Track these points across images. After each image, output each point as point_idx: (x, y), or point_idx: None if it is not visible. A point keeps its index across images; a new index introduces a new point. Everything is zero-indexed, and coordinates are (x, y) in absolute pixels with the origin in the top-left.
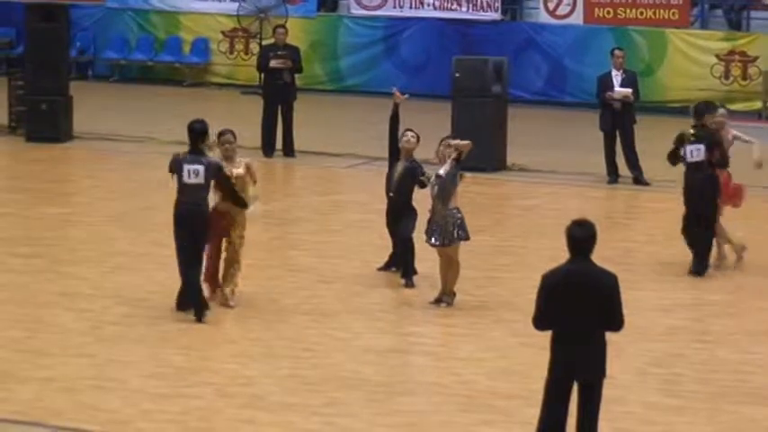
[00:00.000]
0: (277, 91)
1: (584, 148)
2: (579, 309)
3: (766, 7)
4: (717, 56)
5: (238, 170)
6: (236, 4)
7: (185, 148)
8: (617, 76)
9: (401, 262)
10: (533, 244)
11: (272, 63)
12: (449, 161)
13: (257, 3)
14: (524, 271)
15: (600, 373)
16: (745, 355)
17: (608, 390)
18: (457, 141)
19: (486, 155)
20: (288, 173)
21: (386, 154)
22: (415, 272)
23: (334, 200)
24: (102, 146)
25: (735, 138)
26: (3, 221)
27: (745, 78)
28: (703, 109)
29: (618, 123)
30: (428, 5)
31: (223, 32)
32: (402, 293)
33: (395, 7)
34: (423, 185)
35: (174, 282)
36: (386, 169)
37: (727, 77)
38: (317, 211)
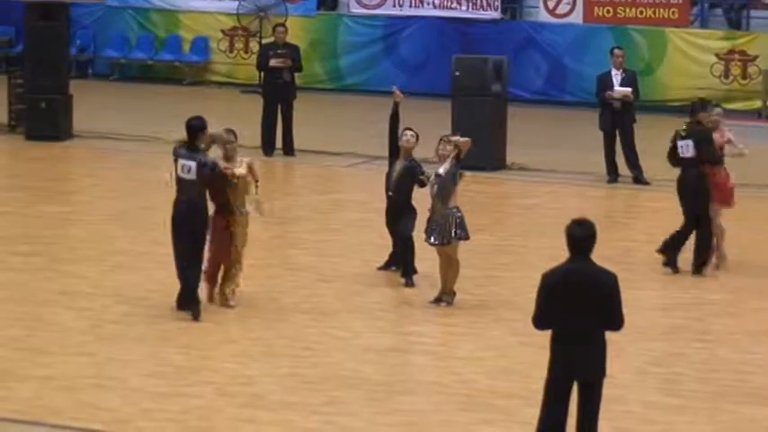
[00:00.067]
0: (277, 90)
1: (584, 148)
2: (579, 308)
3: (766, 6)
4: (716, 55)
5: (240, 170)
6: (236, 3)
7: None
8: (617, 76)
9: (401, 261)
10: (533, 243)
11: (272, 62)
12: (449, 160)
13: (257, 1)
14: (524, 270)
15: (600, 372)
16: (746, 354)
17: (608, 389)
18: (457, 138)
19: (486, 154)
20: (288, 172)
21: (386, 153)
22: (415, 271)
23: (334, 199)
24: (101, 144)
25: (729, 141)
26: (2, 220)
27: (744, 77)
28: (698, 106)
29: (618, 122)
30: (428, 4)
31: (223, 31)
32: (402, 292)
33: (394, 6)
34: (422, 185)
35: (174, 281)
36: (386, 168)
37: (726, 76)
38: (317, 210)
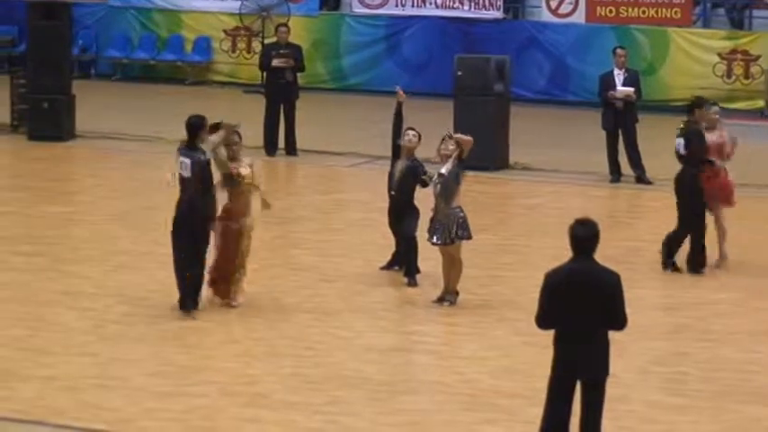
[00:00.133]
0: (279, 90)
1: (587, 147)
2: (582, 307)
3: None
4: (719, 55)
5: (245, 170)
6: (239, 3)
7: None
8: (619, 75)
9: (404, 260)
10: (536, 243)
11: (275, 62)
12: (451, 159)
13: (259, 1)
14: (527, 270)
15: (603, 371)
16: (749, 354)
17: (611, 388)
18: (459, 135)
19: (489, 154)
20: (290, 171)
21: (388, 153)
22: (417, 270)
23: (337, 198)
24: (104, 144)
25: (732, 140)
26: (5, 220)
27: (747, 77)
28: (694, 104)
29: (620, 122)
30: (430, 4)
31: (225, 31)
32: (405, 292)
33: (397, 6)
34: (424, 185)
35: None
36: (388, 168)
37: (729, 76)
38: (320, 210)
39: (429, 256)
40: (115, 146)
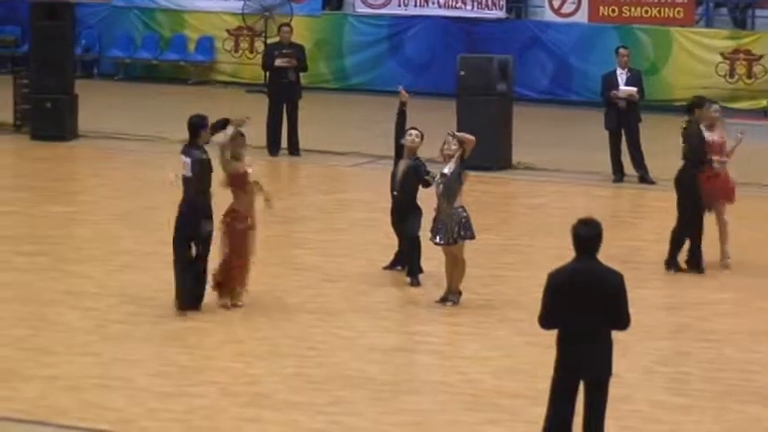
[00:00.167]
0: (282, 89)
1: (590, 147)
2: (585, 307)
3: None
4: (722, 54)
5: (250, 169)
6: (241, 3)
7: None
8: (622, 75)
9: (407, 260)
10: (539, 242)
11: (277, 62)
12: (454, 159)
13: (262, 1)
14: (530, 270)
15: (606, 371)
16: (752, 354)
17: (614, 388)
18: (461, 134)
19: (492, 153)
20: (293, 171)
21: (391, 152)
22: (420, 270)
23: (340, 198)
24: (107, 144)
25: (737, 139)
26: (8, 220)
27: (750, 77)
28: (693, 104)
29: (623, 122)
30: (433, 4)
31: (228, 31)
32: (407, 292)
33: (400, 6)
34: (427, 185)
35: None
36: (391, 168)
37: (732, 76)
38: (322, 210)
39: (432, 256)
40: (118, 145)
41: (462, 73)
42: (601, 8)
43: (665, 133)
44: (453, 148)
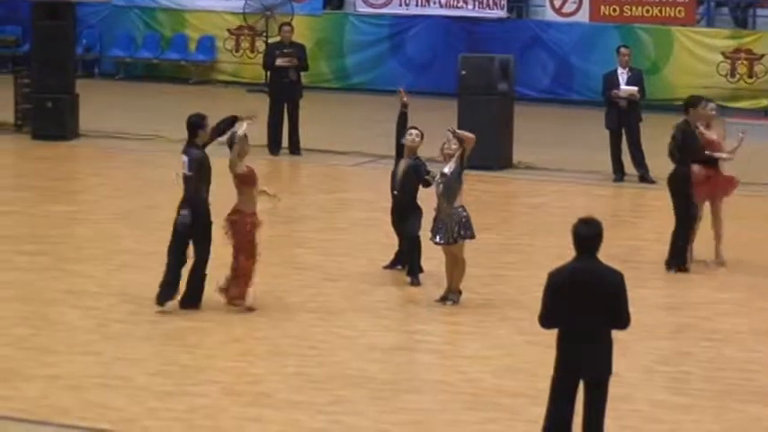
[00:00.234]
0: (283, 89)
1: (591, 146)
2: (585, 307)
3: None
4: (723, 54)
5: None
6: (242, 2)
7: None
8: (623, 74)
9: (407, 260)
10: (540, 242)
11: (278, 61)
12: (454, 158)
13: (263, 0)
14: (530, 269)
15: (606, 371)
16: (752, 353)
17: (614, 388)
18: (462, 132)
19: (493, 153)
20: (294, 171)
21: (392, 152)
22: (420, 270)
23: (340, 198)
24: (107, 144)
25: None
26: (8, 219)
27: (751, 76)
28: (688, 103)
29: (624, 121)
30: (434, 3)
31: (229, 30)
32: (408, 291)
33: (401, 5)
34: (427, 184)
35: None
36: (392, 167)
37: (733, 75)
38: (323, 209)
39: (432, 256)
40: (119, 145)
41: (463, 72)
42: (602, 8)
43: (666, 133)
44: (453, 147)
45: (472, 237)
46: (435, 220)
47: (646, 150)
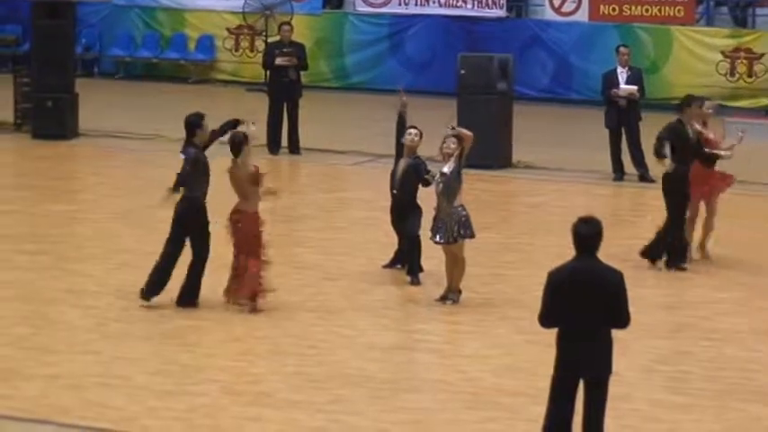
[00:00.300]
0: (282, 88)
1: (590, 146)
2: (585, 306)
3: None
4: (722, 53)
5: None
6: (242, 1)
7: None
8: (622, 74)
9: (407, 259)
10: (539, 241)
11: (278, 60)
12: (453, 158)
13: (263, 0)
14: (530, 268)
15: (606, 370)
16: (752, 353)
17: (614, 387)
18: (461, 129)
19: (492, 152)
20: (293, 170)
21: (391, 151)
22: (420, 269)
23: (340, 197)
24: (107, 143)
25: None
26: (8, 218)
27: (750, 75)
28: (681, 102)
29: (623, 120)
30: (433, 2)
31: (228, 29)
32: (407, 291)
33: (400, 4)
34: (427, 184)
35: (178, 279)
36: (391, 166)
37: (732, 74)
38: (323, 209)
39: (432, 255)
40: (118, 144)
41: (463, 72)
42: (601, 7)
43: None
44: (452, 146)
45: (472, 236)
46: (435, 219)
47: (645, 149)
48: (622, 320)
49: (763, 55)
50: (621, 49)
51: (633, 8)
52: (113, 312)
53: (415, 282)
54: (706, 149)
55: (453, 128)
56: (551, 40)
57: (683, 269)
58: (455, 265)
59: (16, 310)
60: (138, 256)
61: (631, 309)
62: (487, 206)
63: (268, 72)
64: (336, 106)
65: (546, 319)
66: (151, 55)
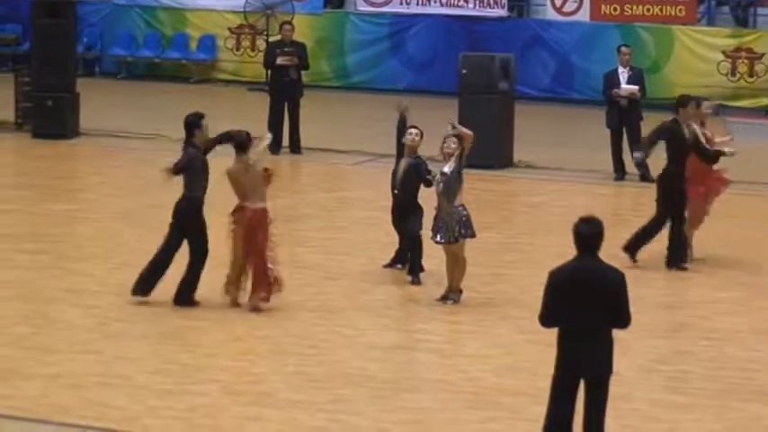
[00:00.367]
0: (283, 88)
1: (591, 146)
2: (586, 306)
3: None
4: (723, 53)
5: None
6: (243, 1)
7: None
8: (623, 73)
9: (408, 259)
10: (540, 241)
11: (279, 60)
12: (454, 157)
13: None
14: (531, 268)
15: (606, 370)
16: (752, 352)
17: (614, 387)
18: (461, 128)
19: (493, 152)
20: (294, 170)
21: (392, 150)
22: (421, 269)
23: (341, 197)
24: (108, 142)
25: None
26: (9, 218)
27: (751, 75)
28: (677, 102)
29: (624, 120)
30: (435, 2)
31: (230, 29)
32: (408, 290)
33: (401, 4)
34: (428, 184)
35: (177, 279)
36: (392, 166)
37: (733, 74)
38: (324, 208)
39: (433, 255)
40: (119, 144)
41: (464, 71)
42: (602, 7)
43: None
44: (453, 146)
45: (473, 236)
46: (436, 219)
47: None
48: (623, 320)
49: (764, 55)
50: (623, 48)
51: (634, 8)
52: (114, 312)
53: (416, 281)
54: (710, 148)
55: (454, 127)
56: (553, 40)
57: (684, 269)
58: (456, 265)
59: (16, 309)
60: (139, 256)
61: (632, 308)
62: (488, 206)
63: (269, 72)
64: (337, 106)
65: (546, 319)
66: (152, 54)
